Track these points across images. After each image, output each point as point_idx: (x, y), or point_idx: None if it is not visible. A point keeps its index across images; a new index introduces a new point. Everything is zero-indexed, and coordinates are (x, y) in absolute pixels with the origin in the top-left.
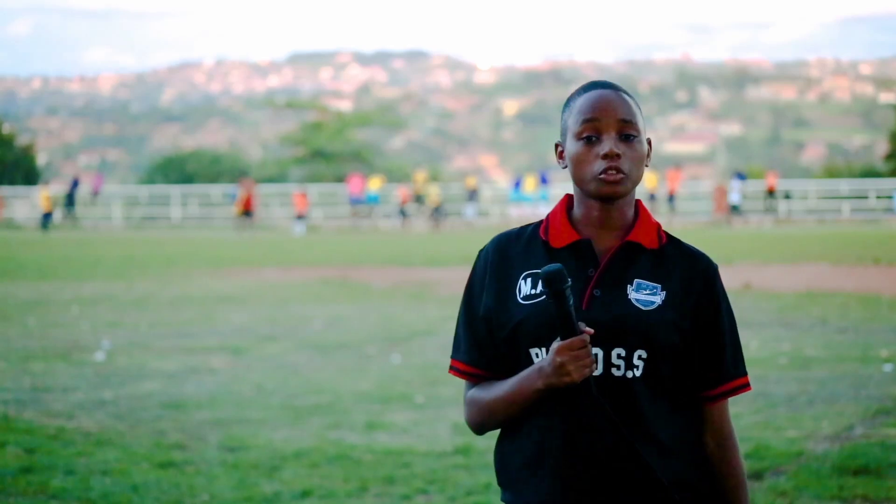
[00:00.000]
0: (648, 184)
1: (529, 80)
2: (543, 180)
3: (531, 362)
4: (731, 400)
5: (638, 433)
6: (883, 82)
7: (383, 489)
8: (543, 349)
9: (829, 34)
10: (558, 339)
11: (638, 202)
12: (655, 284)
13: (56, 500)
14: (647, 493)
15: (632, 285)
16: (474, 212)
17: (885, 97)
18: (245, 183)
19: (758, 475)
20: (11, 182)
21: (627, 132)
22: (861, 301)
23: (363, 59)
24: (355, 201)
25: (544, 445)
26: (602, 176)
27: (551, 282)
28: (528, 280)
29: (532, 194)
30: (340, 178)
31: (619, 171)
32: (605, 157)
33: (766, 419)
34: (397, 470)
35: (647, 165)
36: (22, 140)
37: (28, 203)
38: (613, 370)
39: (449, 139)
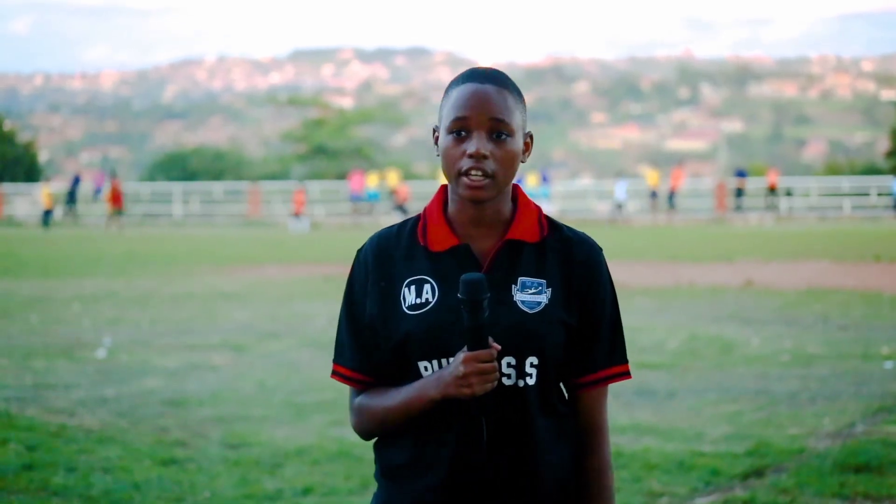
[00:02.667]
0: (650, 181)
1: (531, 77)
2: (544, 178)
3: (419, 375)
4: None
5: (525, 444)
6: (884, 79)
7: None
8: (435, 362)
9: (830, 31)
10: (465, 349)
11: (517, 190)
12: (540, 281)
13: (57, 497)
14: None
15: (516, 285)
16: None
17: (887, 94)
18: (113, 181)
19: (759, 472)
20: (13, 179)
21: (499, 130)
22: (862, 298)
23: (365, 56)
24: (356, 198)
25: (426, 451)
26: (465, 178)
27: (470, 291)
28: (413, 288)
29: (533, 190)
30: (342, 175)
31: (484, 173)
32: (471, 156)
33: (768, 416)
34: None
35: (523, 161)
36: (23, 137)
37: (29, 200)
38: (504, 379)
39: None
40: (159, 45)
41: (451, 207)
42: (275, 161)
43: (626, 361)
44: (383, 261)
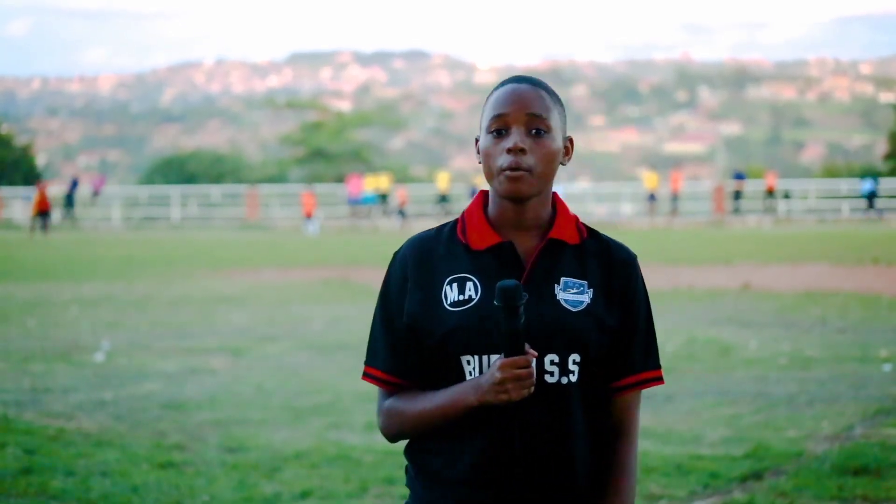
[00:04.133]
0: (648, 184)
1: None
2: None
3: (461, 369)
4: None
5: (563, 441)
6: (883, 82)
7: (383, 489)
8: (476, 357)
9: (828, 34)
10: (501, 355)
11: (554, 196)
12: (582, 281)
13: (56, 501)
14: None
15: (559, 284)
16: None
17: (885, 97)
18: (39, 185)
19: (758, 475)
20: (11, 182)
21: (537, 126)
22: (860, 301)
23: (363, 59)
24: (353, 201)
25: (461, 454)
26: (506, 172)
27: (507, 298)
28: (455, 285)
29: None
30: (340, 179)
31: (521, 167)
32: (510, 150)
33: (766, 419)
34: (397, 470)
35: (563, 164)
36: (21, 140)
37: (27, 203)
38: (547, 377)
39: (449, 139)
40: (157, 49)
41: (491, 209)
42: (273, 164)
43: (659, 367)
44: (423, 261)
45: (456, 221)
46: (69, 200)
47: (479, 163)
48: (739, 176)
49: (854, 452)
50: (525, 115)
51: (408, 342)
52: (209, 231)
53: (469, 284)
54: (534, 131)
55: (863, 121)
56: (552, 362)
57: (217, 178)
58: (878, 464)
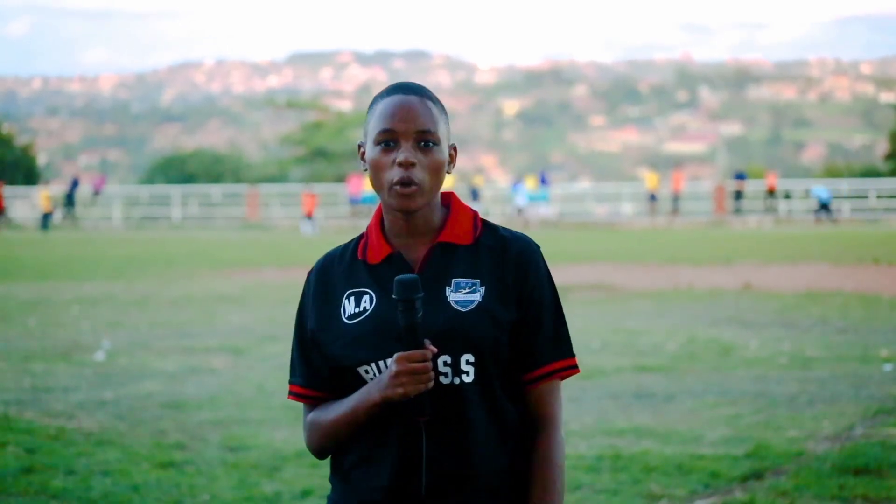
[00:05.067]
0: (649, 184)
1: (529, 80)
2: (543, 181)
3: (361, 380)
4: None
5: (463, 442)
6: (883, 82)
7: None
8: (373, 365)
9: (828, 34)
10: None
11: (451, 196)
12: (474, 280)
13: (56, 500)
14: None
15: (450, 286)
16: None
17: (886, 97)
18: None
19: (758, 475)
20: (11, 182)
21: (425, 139)
22: (861, 301)
23: (363, 59)
24: (354, 201)
25: (372, 453)
26: (396, 187)
27: (402, 291)
28: (352, 299)
29: (532, 193)
30: (341, 178)
31: (412, 181)
32: (400, 165)
33: (767, 419)
34: None
35: (449, 172)
36: (22, 140)
37: (28, 203)
38: (441, 378)
39: None
40: (158, 49)
41: (385, 220)
42: (273, 164)
43: (572, 355)
44: (326, 278)
45: (362, 237)
46: (70, 200)
47: (365, 170)
48: (740, 176)
49: (855, 452)
50: (414, 128)
51: (320, 357)
52: (210, 231)
53: (365, 297)
54: (422, 143)
55: (863, 121)
56: (445, 363)
57: (217, 178)
58: (878, 464)
